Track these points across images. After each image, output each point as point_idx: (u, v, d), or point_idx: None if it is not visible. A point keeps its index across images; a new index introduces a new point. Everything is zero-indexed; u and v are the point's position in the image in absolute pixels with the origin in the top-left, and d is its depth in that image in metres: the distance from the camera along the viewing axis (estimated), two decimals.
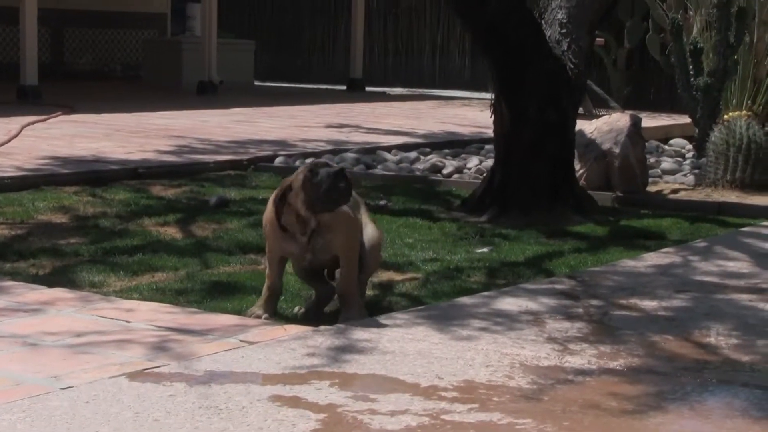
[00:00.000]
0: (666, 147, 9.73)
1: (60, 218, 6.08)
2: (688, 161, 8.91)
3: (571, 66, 6.77)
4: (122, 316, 4.06)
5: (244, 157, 8.44)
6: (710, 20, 9.44)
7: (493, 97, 6.88)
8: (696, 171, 8.26)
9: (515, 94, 6.68)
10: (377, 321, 4.01)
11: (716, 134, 7.80)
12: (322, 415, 3.02)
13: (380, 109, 13.56)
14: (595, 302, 4.42)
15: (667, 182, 8.05)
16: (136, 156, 8.23)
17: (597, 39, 11.16)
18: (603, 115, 9.37)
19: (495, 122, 6.86)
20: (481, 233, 6.03)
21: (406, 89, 17.96)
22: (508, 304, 4.32)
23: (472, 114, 13.07)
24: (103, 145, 8.84)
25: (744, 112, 8.85)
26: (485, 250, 5.63)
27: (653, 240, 5.97)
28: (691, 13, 10.14)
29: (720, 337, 3.94)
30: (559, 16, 6.91)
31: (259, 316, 4.14)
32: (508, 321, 4.06)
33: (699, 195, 7.47)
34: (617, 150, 7.43)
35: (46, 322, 3.98)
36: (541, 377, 3.40)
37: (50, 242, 5.46)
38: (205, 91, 14.73)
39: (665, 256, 5.42)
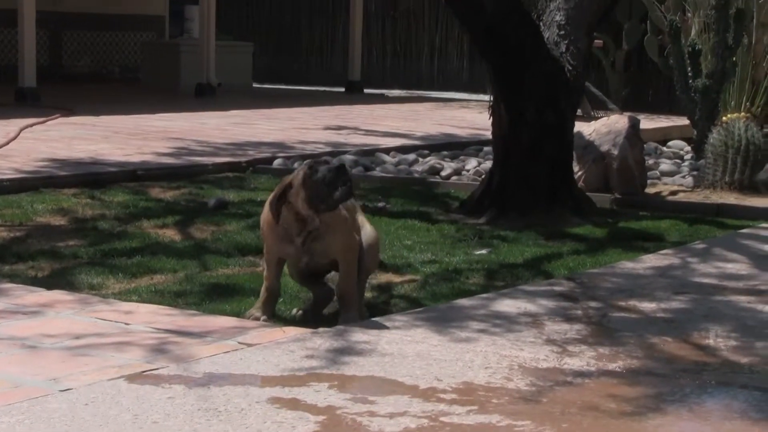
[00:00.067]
0: (664, 149, 9.74)
1: (59, 220, 6.08)
2: (686, 163, 8.92)
3: (570, 68, 6.77)
4: (121, 319, 4.06)
5: (243, 159, 8.44)
6: (709, 22, 9.44)
7: (492, 99, 6.88)
8: (694, 173, 8.27)
9: (514, 96, 6.68)
10: (376, 323, 4.01)
11: (715, 136, 7.80)
12: (321, 417, 3.02)
13: (378, 111, 13.56)
14: (593, 304, 4.42)
15: (665, 184, 8.05)
16: (135, 158, 8.23)
17: (595, 41, 11.15)
18: (601, 116, 9.37)
19: (493, 124, 6.86)
20: (480, 235, 6.03)
21: (405, 91, 17.97)
22: (507, 305, 4.32)
23: (470, 116, 13.07)
24: (101, 147, 8.84)
25: (742, 113, 8.86)
26: (484, 251, 5.63)
27: (652, 242, 5.97)
28: (689, 14, 10.15)
29: (719, 339, 3.94)
30: (558, 17, 6.91)
31: (257, 318, 4.13)
32: (507, 323, 4.06)
33: (697, 197, 7.47)
34: (616, 152, 7.43)
35: (44, 324, 3.98)
36: (540, 379, 3.40)
37: (49, 244, 5.46)
38: (203, 94, 14.73)
39: (664, 257, 5.42)
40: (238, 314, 4.22)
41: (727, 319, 4.23)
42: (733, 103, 9.73)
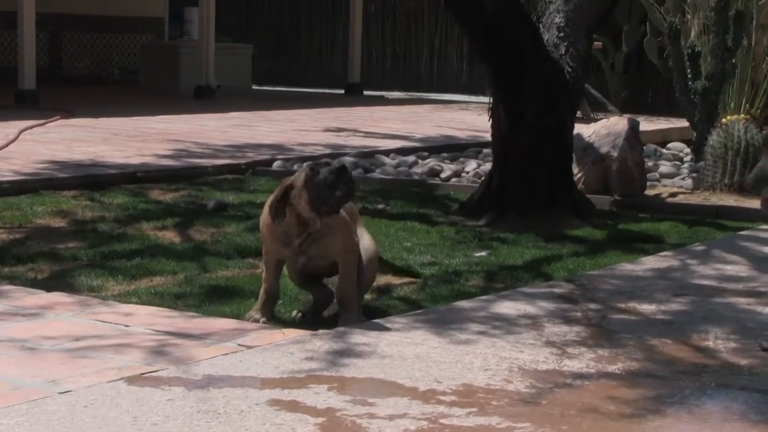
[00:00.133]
0: (664, 150, 9.74)
1: (58, 222, 6.08)
2: (686, 165, 8.92)
3: (569, 70, 6.77)
4: (121, 320, 4.06)
5: (242, 161, 8.44)
6: (708, 24, 9.44)
7: (491, 100, 6.88)
8: (694, 174, 8.27)
9: (513, 98, 6.68)
10: (375, 325, 4.01)
11: (714, 138, 7.80)
12: (320, 419, 3.02)
13: (378, 113, 13.56)
14: (593, 306, 4.42)
15: (665, 186, 8.05)
16: (135, 160, 8.23)
17: (595, 43, 11.16)
18: (601, 118, 9.37)
19: (493, 126, 6.86)
20: (479, 237, 6.03)
21: (404, 93, 17.97)
22: (507, 307, 4.32)
23: (470, 118, 13.08)
24: (101, 149, 8.84)
25: (742, 115, 8.87)
26: (483, 253, 5.63)
27: (651, 243, 5.97)
28: (688, 16, 10.15)
29: (718, 341, 3.94)
30: (557, 19, 6.91)
31: (257, 320, 4.13)
32: (507, 325, 4.06)
33: (697, 198, 7.47)
34: (615, 154, 7.43)
35: (44, 326, 3.98)
36: (540, 381, 3.40)
37: (49, 246, 5.46)
38: (202, 95, 14.73)
39: (663, 259, 5.43)
40: (237, 316, 4.22)
41: (727, 320, 4.23)
42: (732, 104, 9.73)
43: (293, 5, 19.53)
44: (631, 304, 4.44)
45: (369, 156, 8.95)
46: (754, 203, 7.23)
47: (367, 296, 4.52)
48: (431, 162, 8.58)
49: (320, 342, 3.76)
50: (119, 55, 18.01)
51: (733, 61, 9.28)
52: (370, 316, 4.24)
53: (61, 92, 14.32)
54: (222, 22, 16.62)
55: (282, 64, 19.49)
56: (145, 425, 2.93)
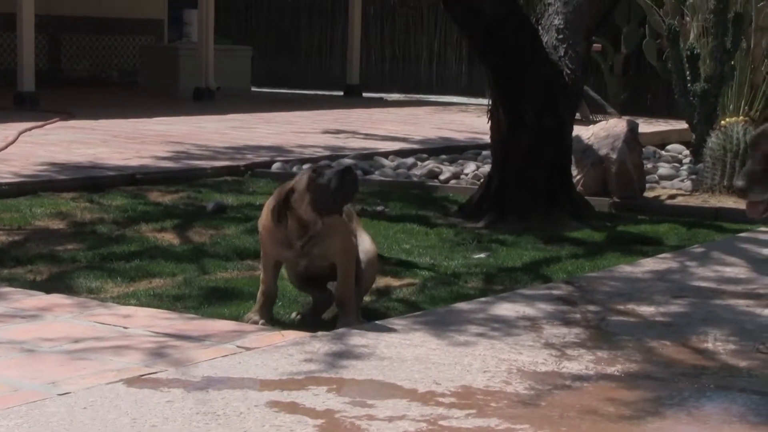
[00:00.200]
0: (663, 152, 9.74)
1: (57, 224, 6.08)
2: (685, 167, 8.92)
3: (568, 72, 6.78)
4: (120, 322, 4.06)
5: (241, 162, 8.44)
6: (707, 26, 9.44)
7: (490, 102, 6.88)
8: (693, 176, 8.27)
9: (512, 100, 6.68)
10: (375, 326, 4.01)
11: (713, 140, 7.80)
12: (319, 421, 3.02)
13: (377, 115, 13.56)
14: (592, 308, 4.42)
15: (664, 188, 8.05)
16: (134, 162, 8.23)
17: (594, 45, 11.16)
18: (600, 120, 9.37)
19: (492, 128, 6.86)
20: (479, 239, 6.03)
21: (403, 95, 17.98)
22: (506, 309, 4.32)
23: (469, 120, 13.08)
24: (100, 151, 8.84)
25: (741, 117, 8.86)
26: (482, 255, 5.63)
27: (650, 245, 5.97)
28: (687, 18, 10.14)
29: (717, 343, 3.94)
30: (556, 21, 6.91)
31: (255, 322, 4.13)
32: (506, 326, 4.06)
33: (696, 200, 7.47)
34: (614, 155, 7.43)
35: (43, 328, 3.98)
36: (539, 383, 3.40)
37: (48, 248, 5.46)
38: (202, 97, 14.74)
39: (662, 261, 5.43)
40: (236, 318, 4.22)
41: (726, 322, 4.23)
42: (731, 106, 9.73)
43: (292, 7, 19.53)
44: (630, 306, 4.44)
45: (368, 158, 8.96)
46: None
47: (367, 298, 4.52)
48: (430, 164, 8.58)
49: (319, 344, 3.76)
50: (118, 57, 18.01)
51: (732, 63, 9.28)
52: (370, 317, 4.24)
53: (61, 94, 14.31)
54: (221, 24, 16.63)
55: (281, 65, 19.49)
56: (144, 427, 2.93)
